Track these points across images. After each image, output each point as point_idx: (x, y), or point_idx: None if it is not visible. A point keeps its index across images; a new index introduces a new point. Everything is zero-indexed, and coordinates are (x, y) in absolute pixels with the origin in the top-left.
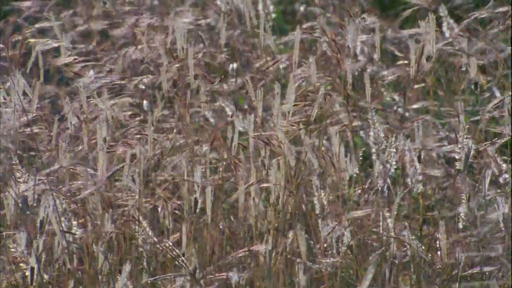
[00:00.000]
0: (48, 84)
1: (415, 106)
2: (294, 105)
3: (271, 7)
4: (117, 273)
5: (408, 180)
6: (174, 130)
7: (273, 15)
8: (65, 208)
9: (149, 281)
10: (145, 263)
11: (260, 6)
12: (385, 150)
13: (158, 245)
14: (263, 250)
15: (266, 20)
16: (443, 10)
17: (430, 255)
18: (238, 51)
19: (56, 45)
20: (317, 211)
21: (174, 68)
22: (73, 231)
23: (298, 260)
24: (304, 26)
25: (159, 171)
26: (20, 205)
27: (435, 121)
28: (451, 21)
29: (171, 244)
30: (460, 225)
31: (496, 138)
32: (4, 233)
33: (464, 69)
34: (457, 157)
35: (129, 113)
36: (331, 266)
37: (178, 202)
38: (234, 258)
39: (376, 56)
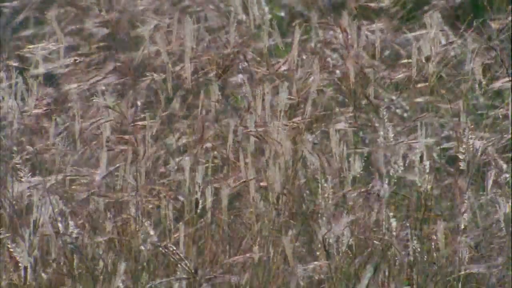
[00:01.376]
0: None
1: (418, 99)
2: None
3: (266, 9)
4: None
5: (416, 179)
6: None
7: (269, 16)
8: (62, 208)
9: (152, 285)
10: (145, 263)
11: (255, 9)
12: (394, 150)
13: (159, 247)
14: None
15: (262, 21)
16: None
17: (433, 254)
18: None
19: (54, 48)
20: (322, 210)
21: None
22: (69, 232)
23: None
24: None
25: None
26: (15, 206)
27: (435, 121)
28: (446, 28)
29: (173, 248)
30: (462, 225)
31: (496, 138)
32: (2, 236)
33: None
34: (461, 157)
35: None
36: (331, 267)
37: (178, 200)
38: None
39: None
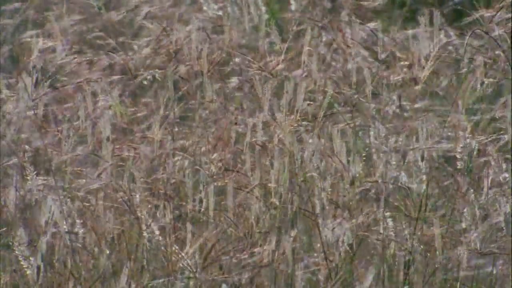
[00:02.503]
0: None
1: (417, 105)
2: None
3: (263, 8)
4: (119, 272)
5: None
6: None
7: (266, 16)
8: (69, 206)
9: (152, 284)
10: (145, 263)
11: (252, 8)
12: (386, 150)
13: (161, 246)
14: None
15: (260, 21)
16: (436, 15)
17: (428, 254)
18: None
19: (53, 44)
20: (318, 211)
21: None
22: (75, 230)
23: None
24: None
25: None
26: (19, 203)
27: (434, 120)
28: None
29: (176, 247)
30: (463, 225)
31: (496, 135)
32: (4, 229)
33: (465, 69)
34: (458, 156)
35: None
36: (331, 267)
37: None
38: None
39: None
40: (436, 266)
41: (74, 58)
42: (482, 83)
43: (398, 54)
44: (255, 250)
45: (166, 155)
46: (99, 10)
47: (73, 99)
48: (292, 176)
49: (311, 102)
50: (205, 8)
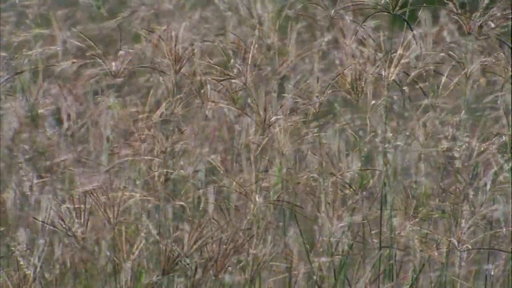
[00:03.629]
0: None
1: (419, 103)
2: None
3: (270, 7)
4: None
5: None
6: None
7: (270, 15)
8: (67, 206)
9: (152, 282)
10: (145, 263)
11: (258, 6)
12: (392, 149)
13: (160, 244)
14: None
15: (266, 20)
16: (443, 16)
17: (429, 254)
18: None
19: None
20: (322, 209)
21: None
22: (74, 230)
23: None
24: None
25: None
26: (19, 202)
27: (436, 119)
28: (452, 27)
29: (175, 245)
30: (463, 224)
31: (495, 136)
32: (3, 229)
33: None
34: (456, 155)
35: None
36: (330, 266)
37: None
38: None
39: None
40: (436, 265)
41: (75, 58)
42: (478, 84)
43: (397, 53)
44: (254, 249)
45: (166, 155)
46: (98, 9)
47: (72, 99)
48: (289, 175)
49: (309, 102)
50: (216, 1)
